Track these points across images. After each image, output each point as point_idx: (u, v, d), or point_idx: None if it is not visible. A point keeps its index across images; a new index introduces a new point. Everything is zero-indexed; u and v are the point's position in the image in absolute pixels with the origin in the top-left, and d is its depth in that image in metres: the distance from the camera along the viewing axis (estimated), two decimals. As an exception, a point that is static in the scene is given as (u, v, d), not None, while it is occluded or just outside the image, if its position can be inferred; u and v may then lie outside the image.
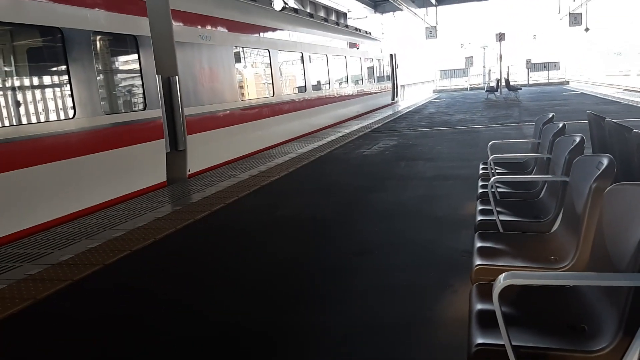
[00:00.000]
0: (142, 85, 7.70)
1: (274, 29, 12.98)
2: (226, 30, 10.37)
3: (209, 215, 6.09)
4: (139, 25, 7.62)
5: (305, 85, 14.90)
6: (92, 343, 3.24)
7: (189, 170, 8.74)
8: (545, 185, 3.77)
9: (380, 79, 24.45)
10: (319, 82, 16.22)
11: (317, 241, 5.04)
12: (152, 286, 4.14)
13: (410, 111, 20.62)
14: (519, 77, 38.52)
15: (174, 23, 8.51)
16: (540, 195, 3.76)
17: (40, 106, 6.38)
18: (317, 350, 2.99)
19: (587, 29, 30.01)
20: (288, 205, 6.60)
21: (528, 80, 37.24)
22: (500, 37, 27.89)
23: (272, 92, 12.59)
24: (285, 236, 5.27)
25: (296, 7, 21.14)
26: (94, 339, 3.30)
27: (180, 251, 4.99)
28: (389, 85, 26.30)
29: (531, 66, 37.17)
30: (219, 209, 6.36)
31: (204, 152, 9.20)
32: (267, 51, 12.37)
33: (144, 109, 7.73)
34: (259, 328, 3.29)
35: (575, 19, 28.57)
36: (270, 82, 12.60)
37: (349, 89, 19.30)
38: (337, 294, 3.72)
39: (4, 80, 6.12)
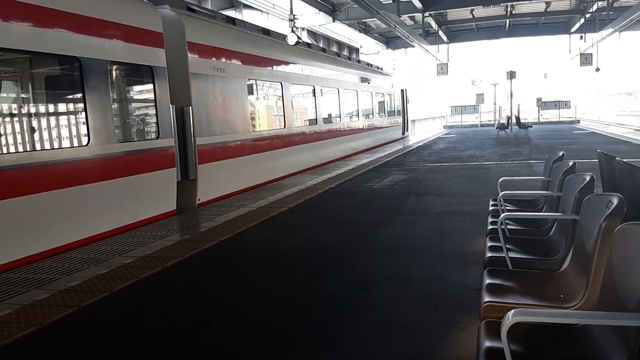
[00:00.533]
0: (156, 114, 7.81)
1: (287, 63, 13.18)
2: (240, 63, 10.55)
3: (217, 245, 6.09)
4: (155, 56, 7.78)
5: (317, 118, 15.04)
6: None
7: (199, 200, 8.79)
8: (555, 223, 3.75)
9: (391, 113, 24.62)
10: (330, 115, 16.37)
11: (324, 274, 5.02)
12: (157, 315, 4.13)
13: (420, 146, 20.69)
14: (529, 115, 38.65)
15: (189, 55, 8.68)
16: (550, 233, 3.74)
17: (55, 133, 6.48)
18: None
19: (597, 69, 30.17)
20: (296, 237, 6.60)
21: (539, 118, 37.34)
22: (511, 75, 28.10)
23: (283, 124, 12.71)
24: (292, 268, 5.25)
25: (309, 41, 21.50)
26: (98, 366, 3.29)
27: (186, 280, 4.98)
28: (400, 119, 26.46)
29: (542, 104, 37.32)
30: (227, 238, 6.37)
31: (214, 181, 9.26)
32: (279, 84, 12.54)
33: (157, 137, 7.83)
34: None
35: (586, 59, 28.76)
36: (282, 114, 12.73)
37: (360, 123, 19.44)
38: (343, 328, 3.68)
39: (21, 107, 6.24)
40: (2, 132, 5.94)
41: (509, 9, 26.37)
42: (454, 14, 27.95)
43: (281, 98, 12.65)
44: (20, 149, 5.94)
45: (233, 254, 5.83)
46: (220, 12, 14.90)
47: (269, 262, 5.49)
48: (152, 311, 4.22)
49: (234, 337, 3.64)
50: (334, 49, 29.17)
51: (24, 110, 6.24)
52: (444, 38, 31.94)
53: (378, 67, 23.71)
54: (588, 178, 3.34)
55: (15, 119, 6.11)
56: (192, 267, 5.34)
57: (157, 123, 7.83)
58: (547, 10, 26.92)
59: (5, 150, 5.78)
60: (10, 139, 5.93)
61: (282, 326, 3.80)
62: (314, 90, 14.81)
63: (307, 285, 4.68)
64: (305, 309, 4.11)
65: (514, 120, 26.89)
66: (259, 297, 4.43)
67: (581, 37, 29.33)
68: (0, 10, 5.41)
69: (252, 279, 4.94)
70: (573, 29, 31.15)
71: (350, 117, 18.45)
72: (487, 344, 2.05)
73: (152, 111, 7.86)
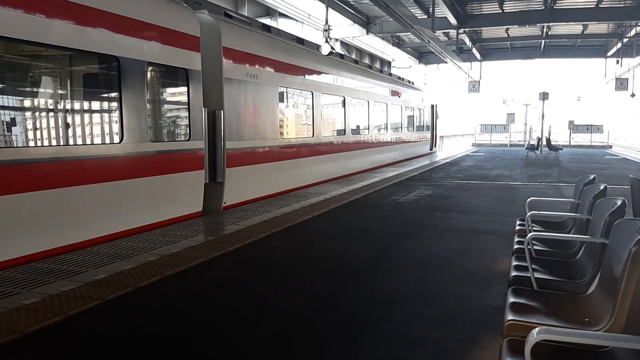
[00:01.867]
0: (189, 116, 7.94)
1: (318, 72, 13.26)
2: (273, 70, 10.66)
3: (240, 249, 6.14)
4: (191, 60, 7.91)
5: (345, 129, 15.08)
6: (117, 363, 3.29)
7: (225, 203, 8.87)
8: (583, 247, 3.70)
9: (420, 128, 24.54)
10: (358, 126, 16.39)
11: (345, 285, 5.02)
12: (179, 313, 4.18)
13: (447, 162, 20.56)
14: (560, 137, 38.09)
15: (224, 60, 8.81)
16: (578, 256, 3.69)
17: (90, 129, 6.64)
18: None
19: (633, 95, 29.65)
20: (318, 246, 6.61)
21: (570, 141, 36.78)
22: (544, 96, 27.77)
23: (311, 132, 12.77)
24: (313, 278, 5.26)
25: (342, 52, 21.60)
26: (117, 358, 3.34)
27: (209, 281, 5.04)
28: (428, 135, 26.35)
29: (574, 127, 36.77)
30: (250, 242, 6.42)
31: (241, 186, 9.34)
32: (310, 93, 12.62)
33: (188, 139, 7.95)
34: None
35: (621, 84, 28.29)
36: (311, 123, 12.80)
37: (388, 136, 19.42)
38: (362, 342, 3.66)
39: (59, 102, 6.41)
40: (40, 126, 6.12)
41: (544, 30, 26.14)
42: (489, 32, 27.79)
43: (311, 107, 12.73)
44: (56, 143, 6.09)
45: (255, 259, 5.87)
46: (256, 19, 15.08)
47: (291, 271, 5.51)
48: (174, 309, 4.27)
49: (252, 343, 3.67)
50: (366, 61, 29.24)
51: (62, 106, 6.41)
52: (477, 56, 31.77)
53: (409, 81, 23.68)
54: (619, 202, 3.29)
55: (54, 113, 6.28)
56: (215, 269, 5.40)
57: (188, 125, 7.95)
58: (584, 32, 26.60)
59: (42, 144, 5.94)
60: (47, 133, 6.10)
61: (300, 337, 3.81)
62: (344, 100, 14.86)
63: (327, 296, 4.69)
64: (324, 320, 4.11)
65: (544, 142, 26.54)
66: (279, 305, 4.45)
67: (617, 62, 28.89)
68: (44, 7, 5.57)
69: (273, 286, 4.96)
70: (609, 53, 30.70)
71: (379, 129, 18.44)
72: (509, 361, 2.04)
73: (185, 113, 7.98)
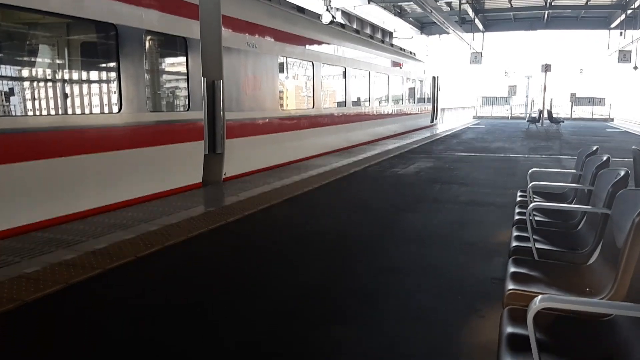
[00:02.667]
0: (188, 86, 7.86)
1: (319, 42, 13.10)
2: (273, 40, 10.52)
3: (241, 220, 6.14)
4: (190, 28, 7.80)
5: (346, 100, 14.96)
6: (115, 329, 3.30)
7: (225, 174, 8.85)
8: (585, 217, 3.69)
9: (421, 100, 24.37)
10: (359, 98, 16.27)
11: (345, 257, 5.03)
12: (179, 283, 4.20)
13: (448, 135, 20.48)
14: (561, 110, 37.84)
15: (223, 28, 8.68)
16: (579, 227, 3.68)
17: (88, 99, 6.58)
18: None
19: (635, 67, 29.36)
20: (319, 218, 6.61)
21: (571, 114, 36.59)
22: (546, 68, 27.55)
23: (312, 104, 12.68)
24: (313, 250, 5.26)
25: (343, 22, 21.31)
26: (117, 325, 3.36)
27: (209, 251, 5.05)
28: (429, 107, 26.19)
29: (575, 100, 36.52)
30: (250, 214, 6.42)
31: (241, 157, 9.30)
32: (310, 63, 12.48)
33: (187, 109, 7.88)
34: (277, 342, 3.28)
35: (624, 56, 27.99)
36: (311, 94, 12.70)
37: (389, 108, 19.29)
38: (363, 314, 3.67)
39: (55, 72, 6.33)
40: (37, 96, 6.05)
41: (548, 0, 25.75)
42: (492, 2, 27.40)
43: (311, 78, 12.61)
44: (54, 112, 6.03)
45: (256, 230, 5.88)
46: (255, -12, 14.83)
47: (291, 242, 5.51)
48: (175, 279, 4.28)
49: (256, 314, 3.68)
50: (368, 31, 28.89)
51: (60, 75, 6.33)
52: (480, 26, 31.35)
53: (411, 52, 23.43)
54: (622, 173, 3.27)
55: (51, 83, 6.21)
56: (216, 239, 5.40)
57: (187, 95, 7.88)
58: (588, 3, 26.21)
59: (39, 113, 5.89)
60: (45, 103, 6.04)
61: (303, 307, 3.82)
62: (344, 71, 14.71)
63: (328, 268, 4.69)
64: (326, 291, 4.12)
65: (545, 115, 26.40)
66: (280, 276, 4.46)
67: (621, 34, 28.50)
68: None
69: (274, 258, 4.97)
70: (613, 25, 30.27)
71: (380, 101, 18.31)
72: (510, 330, 2.04)
73: (184, 83, 7.90)
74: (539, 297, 1.67)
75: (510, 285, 2.59)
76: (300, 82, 12.71)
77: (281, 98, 11.20)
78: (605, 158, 4.18)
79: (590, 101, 37.13)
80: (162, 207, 6.55)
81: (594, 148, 5.14)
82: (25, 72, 6.07)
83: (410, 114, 22.35)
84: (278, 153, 10.82)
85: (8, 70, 5.85)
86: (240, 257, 4.90)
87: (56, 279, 4.00)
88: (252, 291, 4.04)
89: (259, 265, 4.68)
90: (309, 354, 3.08)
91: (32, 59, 6.20)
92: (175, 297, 3.90)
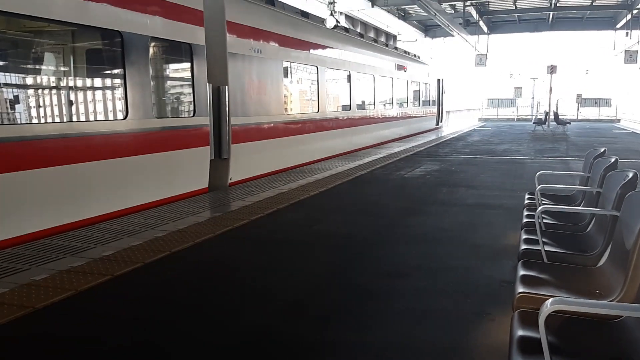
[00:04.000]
0: (193, 92, 7.88)
1: (323, 47, 13.13)
2: (277, 45, 10.55)
3: (247, 224, 6.15)
4: (194, 34, 7.83)
5: (350, 104, 14.97)
6: (123, 336, 3.30)
7: (231, 179, 8.86)
8: (594, 220, 3.67)
9: (426, 102, 24.35)
10: (363, 101, 16.28)
11: (353, 259, 5.02)
12: (187, 288, 4.20)
13: (454, 137, 20.44)
14: (568, 111, 37.72)
15: (228, 34, 8.71)
16: (588, 229, 3.67)
17: (93, 105, 6.61)
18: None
19: (642, 67, 29.24)
20: (326, 221, 6.61)
21: (577, 115, 36.45)
22: (552, 69, 27.47)
23: (317, 108, 12.69)
24: (321, 252, 5.27)
25: (347, 26, 21.34)
26: (126, 333, 3.36)
27: (216, 257, 5.05)
28: (434, 109, 26.17)
29: (581, 101, 36.39)
30: (257, 218, 6.42)
31: (247, 162, 9.32)
32: (315, 68, 12.51)
33: (193, 115, 7.90)
34: (286, 343, 3.27)
35: (630, 56, 27.90)
36: (316, 98, 12.71)
37: (394, 111, 19.29)
38: (371, 315, 3.66)
39: (61, 79, 6.36)
40: (44, 103, 6.08)
41: (553, 2, 25.70)
42: (496, 4, 27.36)
43: (316, 82, 12.63)
44: (60, 120, 6.06)
45: (262, 235, 5.88)
46: (259, -7, 14.88)
47: (298, 245, 5.51)
48: (183, 284, 4.28)
49: (263, 317, 3.68)
50: (372, 34, 28.92)
51: (66, 82, 6.36)
52: (485, 29, 31.33)
53: (415, 55, 23.42)
54: (631, 175, 3.25)
55: (57, 90, 6.24)
56: (223, 245, 5.41)
57: (193, 101, 7.90)
58: (593, 4, 26.12)
59: (45, 121, 5.92)
60: (50, 111, 6.07)
61: (311, 310, 3.82)
62: (349, 75, 14.73)
63: (336, 271, 4.69)
64: (334, 294, 4.12)
65: (551, 116, 26.31)
66: (288, 280, 4.46)
67: (627, 34, 28.41)
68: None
69: (281, 261, 4.97)
70: (619, 25, 30.16)
71: (385, 104, 18.31)
72: (521, 333, 2.03)
73: (189, 89, 7.93)
74: (550, 299, 1.66)
75: (520, 288, 2.57)
76: (305, 86, 12.73)
77: (286, 102, 11.22)
78: (613, 160, 4.16)
79: (597, 102, 37.00)
80: (168, 212, 6.56)
81: (602, 150, 5.12)
82: (30, 80, 6.10)
83: (415, 116, 22.34)
84: (284, 157, 10.83)
85: (14, 77, 5.88)
86: (247, 261, 4.90)
87: (65, 286, 4.02)
88: (260, 294, 4.03)
89: (265, 268, 4.68)
90: (314, 353, 3.08)
91: (38, 67, 6.24)
92: (185, 300, 3.90)
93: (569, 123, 26.18)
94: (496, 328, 3.36)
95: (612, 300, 2.42)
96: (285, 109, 11.07)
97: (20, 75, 5.94)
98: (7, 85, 5.63)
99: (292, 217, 6.69)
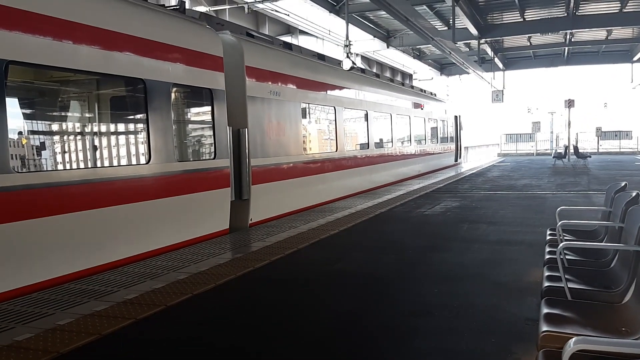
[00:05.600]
0: (214, 135, 8.03)
1: (340, 87, 13.33)
2: (295, 87, 10.75)
3: (268, 265, 6.16)
4: (215, 79, 8.03)
5: (368, 143, 15.08)
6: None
7: (251, 219, 8.93)
8: (617, 255, 3.63)
9: (444, 139, 24.40)
10: (381, 139, 16.38)
11: (375, 298, 5.00)
12: (211, 332, 4.21)
13: (473, 173, 20.37)
14: (588, 144, 37.46)
15: (247, 78, 8.91)
16: (611, 265, 3.62)
17: (117, 150, 6.77)
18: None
19: (662, 99, 29.05)
20: (347, 260, 6.60)
21: (598, 149, 36.15)
22: (570, 103, 27.41)
23: (335, 147, 12.80)
24: (343, 291, 5.25)
25: (363, 67, 21.67)
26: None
27: (238, 298, 5.06)
28: (453, 146, 26.18)
29: (601, 134, 36.14)
30: (278, 259, 6.44)
31: (267, 202, 9.39)
32: (332, 108, 12.68)
33: (214, 158, 8.04)
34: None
35: (649, 88, 27.80)
36: (334, 137, 12.84)
37: (412, 148, 19.35)
38: (395, 355, 3.64)
39: (86, 126, 6.55)
40: (69, 149, 6.26)
41: (568, 37, 25.86)
42: (511, 41, 27.60)
43: (334, 122, 12.78)
44: (84, 165, 6.22)
45: (284, 275, 5.89)
46: (277, 37, 15.26)
47: (320, 285, 5.50)
48: (206, 327, 4.30)
49: (284, 358, 3.67)
50: (388, 74, 29.27)
51: (91, 129, 6.55)
52: (500, 65, 31.56)
53: (431, 93, 23.62)
54: (653, 209, 3.23)
55: (82, 136, 6.43)
56: (244, 286, 5.42)
57: (214, 144, 8.05)
58: (608, 38, 26.24)
59: (71, 167, 6.07)
60: (76, 156, 6.24)
61: (333, 350, 3.80)
62: (366, 114, 14.88)
63: (358, 310, 4.67)
64: (356, 334, 4.10)
65: (571, 150, 26.12)
66: (309, 320, 4.45)
67: (644, 66, 28.39)
68: (72, 34, 5.73)
69: (303, 301, 4.96)
70: (635, 58, 30.18)
71: (402, 142, 18.39)
72: (546, 373, 2.01)
73: (210, 132, 8.09)
74: (574, 339, 1.65)
75: (544, 327, 2.55)
76: (323, 126, 12.88)
77: (304, 142, 11.34)
78: (634, 194, 4.13)
79: (617, 135, 36.72)
80: (190, 255, 6.62)
81: (623, 184, 5.08)
82: (56, 127, 6.30)
83: (433, 153, 22.36)
84: (303, 197, 10.89)
85: (41, 125, 6.08)
86: (268, 302, 4.90)
87: (89, 331, 4.05)
88: (283, 335, 4.02)
89: (288, 308, 4.67)
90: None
91: (64, 114, 6.44)
92: (206, 345, 3.90)
93: (590, 156, 25.94)
94: (522, 368, 3.30)
95: (639, 338, 2.39)
96: (304, 149, 11.19)
97: (47, 122, 6.14)
98: (33, 132, 5.82)
99: (312, 257, 6.70)
